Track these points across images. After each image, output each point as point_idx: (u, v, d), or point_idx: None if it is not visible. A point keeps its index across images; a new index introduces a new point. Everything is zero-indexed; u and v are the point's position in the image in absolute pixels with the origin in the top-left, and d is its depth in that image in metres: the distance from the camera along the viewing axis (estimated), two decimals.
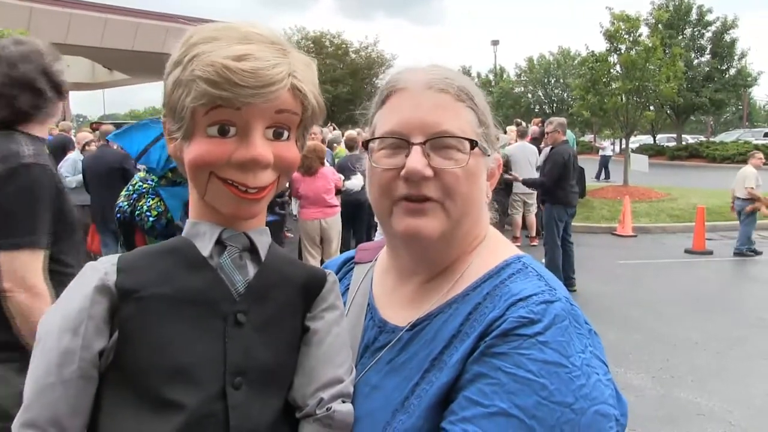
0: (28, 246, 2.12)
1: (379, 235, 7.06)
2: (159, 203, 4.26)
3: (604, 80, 17.34)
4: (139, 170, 5.39)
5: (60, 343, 0.88)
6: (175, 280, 0.93)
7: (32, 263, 2.13)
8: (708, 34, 36.26)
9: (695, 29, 36.16)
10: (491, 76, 51.37)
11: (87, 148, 8.97)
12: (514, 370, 0.89)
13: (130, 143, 4.44)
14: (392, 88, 1.10)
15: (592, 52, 18.36)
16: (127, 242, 4.46)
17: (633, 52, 16.48)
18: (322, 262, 6.90)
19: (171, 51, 0.96)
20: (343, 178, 8.30)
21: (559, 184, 8.21)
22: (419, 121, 1.03)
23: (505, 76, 53.40)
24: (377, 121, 1.12)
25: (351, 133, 10.51)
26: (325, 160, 8.03)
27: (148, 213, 4.25)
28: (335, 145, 11.87)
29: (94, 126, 17.10)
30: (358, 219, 8.98)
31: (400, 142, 1.05)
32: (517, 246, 1.19)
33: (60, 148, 9.69)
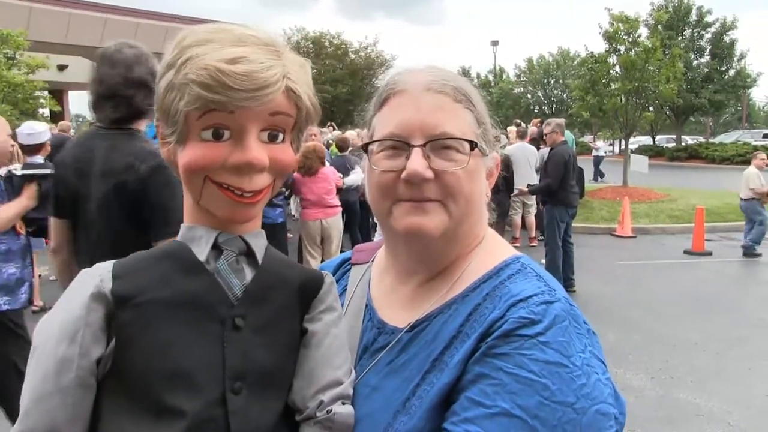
0: (172, 235, 2.31)
1: (378, 236, 7.06)
2: None
3: (603, 81, 17.34)
4: None
5: (57, 351, 0.87)
6: (171, 285, 0.92)
7: None
8: (707, 35, 36.35)
9: (695, 30, 36.24)
10: (491, 77, 51.36)
11: None
12: (515, 370, 0.89)
13: None
14: (391, 90, 1.10)
15: (592, 52, 18.36)
16: None
17: (632, 53, 16.47)
18: (322, 261, 6.91)
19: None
20: (341, 176, 8.32)
21: (560, 185, 8.21)
22: (419, 123, 1.03)
23: (504, 76, 53.42)
24: (376, 123, 1.12)
25: (341, 134, 10.53)
26: (326, 160, 8.05)
27: None
28: (330, 141, 11.88)
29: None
30: (350, 221, 8.99)
31: (400, 144, 1.05)
32: (517, 246, 1.20)
33: (58, 148, 9.66)
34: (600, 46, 17.92)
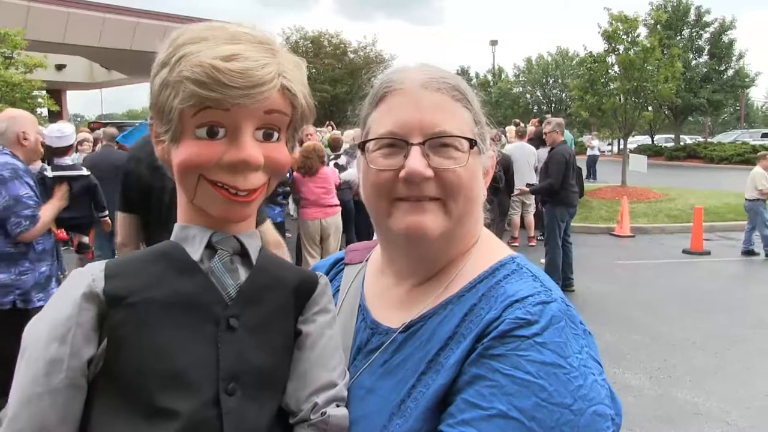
0: (266, 218, 2.85)
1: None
2: None
3: (602, 80, 17.37)
4: None
5: (47, 352, 0.86)
6: (165, 285, 0.91)
7: (272, 228, 2.86)
8: (706, 35, 36.37)
9: (693, 30, 36.26)
10: (490, 77, 51.37)
11: (80, 147, 8.99)
12: (512, 371, 0.88)
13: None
14: (387, 88, 1.09)
15: (591, 52, 18.38)
16: None
17: (631, 53, 16.50)
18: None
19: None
20: (338, 172, 8.34)
21: (561, 184, 8.22)
22: (417, 122, 1.03)
23: (503, 76, 53.40)
24: (372, 121, 1.11)
25: (336, 133, 10.57)
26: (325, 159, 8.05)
27: None
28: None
29: (92, 126, 17.13)
30: (344, 220, 8.99)
31: (398, 143, 1.04)
32: (516, 246, 1.19)
33: None
34: (599, 46, 17.97)
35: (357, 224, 9.20)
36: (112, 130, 8.72)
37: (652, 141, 40.33)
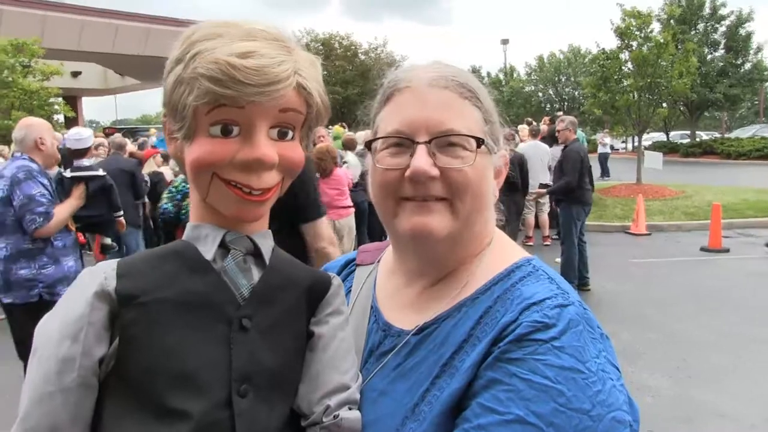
0: (323, 214, 2.95)
1: None
2: None
3: (615, 77, 17.22)
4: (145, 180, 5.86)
5: (59, 351, 0.85)
6: (177, 285, 0.91)
7: (328, 225, 2.96)
8: (722, 29, 35.88)
9: (708, 23, 35.79)
10: (501, 76, 51.23)
11: (94, 151, 9.13)
12: (530, 376, 0.86)
13: None
14: (395, 86, 1.08)
15: (603, 49, 18.25)
16: (168, 242, 4.59)
17: (644, 49, 16.34)
18: None
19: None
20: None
21: (577, 183, 8.16)
22: (424, 120, 1.01)
23: (515, 75, 53.21)
24: (380, 120, 1.09)
25: (349, 134, 10.59)
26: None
27: None
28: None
29: (107, 131, 17.32)
30: (358, 221, 8.99)
31: (405, 142, 1.02)
32: (530, 246, 1.17)
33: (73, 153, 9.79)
34: (612, 43, 17.83)
35: (370, 225, 9.19)
36: (121, 139, 9.07)
37: (668, 138, 39.87)
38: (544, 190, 9.32)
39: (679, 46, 17.64)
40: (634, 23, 16.47)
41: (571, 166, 8.12)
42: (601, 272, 8.94)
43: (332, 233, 2.92)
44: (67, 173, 5.57)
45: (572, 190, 8.18)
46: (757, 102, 48.01)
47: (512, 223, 8.54)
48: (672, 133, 40.96)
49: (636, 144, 19.57)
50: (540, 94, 52.33)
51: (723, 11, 35.36)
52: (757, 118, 47.80)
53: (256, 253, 0.98)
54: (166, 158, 10.12)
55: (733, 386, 5.24)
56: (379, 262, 1.27)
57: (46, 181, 4.38)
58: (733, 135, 38.00)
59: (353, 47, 35.64)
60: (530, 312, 0.92)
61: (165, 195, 4.63)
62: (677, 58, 16.57)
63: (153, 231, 9.91)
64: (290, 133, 0.94)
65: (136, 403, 0.86)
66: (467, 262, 1.09)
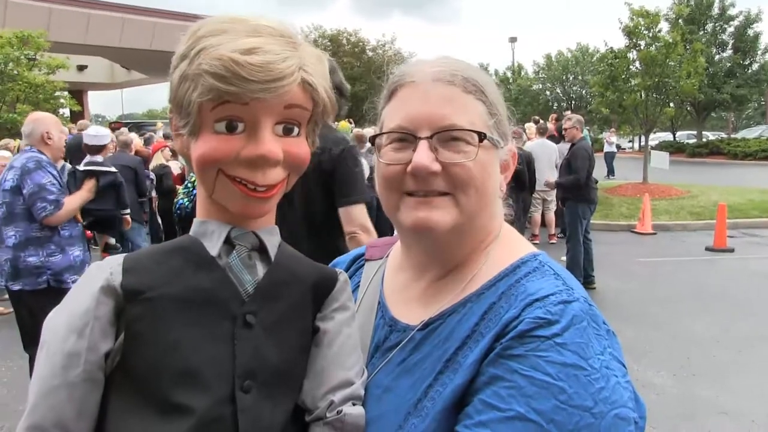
0: (360, 201, 2.96)
1: None
2: None
3: (623, 77, 17.14)
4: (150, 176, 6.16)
5: (65, 345, 0.86)
6: (182, 280, 0.91)
7: (363, 212, 2.97)
8: (730, 29, 35.66)
9: (717, 24, 35.58)
10: (509, 74, 51.03)
11: (110, 146, 9.20)
12: (531, 372, 0.86)
13: None
14: (399, 82, 1.08)
15: (611, 48, 18.15)
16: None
17: (652, 48, 16.27)
18: None
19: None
20: None
21: (584, 180, 8.16)
22: (426, 115, 1.01)
23: (523, 73, 53.01)
24: (385, 116, 1.10)
25: (358, 130, 10.56)
26: None
27: None
28: None
29: (113, 126, 17.36)
30: None
31: (407, 137, 1.02)
32: (536, 243, 1.16)
33: (77, 147, 9.81)
34: (620, 42, 17.73)
35: (380, 220, 9.17)
36: (126, 137, 9.24)
37: (674, 137, 39.72)
38: (554, 181, 9.25)
39: (687, 46, 17.52)
40: (642, 22, 16.39)
41: (580, 164, 8.14)
42: (606, 271, 8.93)
43: (367, 220, 2.97)
44: (80, 166, 5.77)
45: (580, 186, 8.19)
46: (763, 103, 47.73)
47: (519, 221, 8.54)
48: (679, 133, 40.83)
49: (643, 143, 19.46)
50: (547, 93, 52.10)
51: (732, 11, 35.16)
52: (764, 119, 47.55)
53: (261, 249, 0.98)
54: (174, 152, 10.15)
55: (736, 384, 5.23)
56: (387, 257, 1.27)
57: (55, 172, 4.54)
58: (739, 135, 37.81)
59: (361, 44, 35.61)
60: (533, 308, 0.91)
61: (181, 190, 4.72)
62: (685, 58, 16.48)
63: (159, 226, 9.95)
64: (296, 130, 0.94)
65: (140, 398, 0.86)
66: (474, 257, 1.09)
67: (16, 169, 4.40)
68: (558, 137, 11.38)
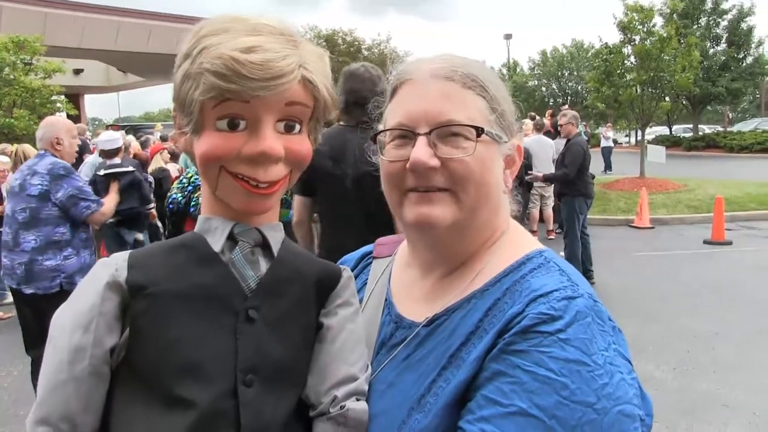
0: None
1: None
2: None
3: (618, 72, 17.13)
4: (149, 180, 6.78)
5: (71, 340, 0.87)
6: (186, 276, 0.92)
7: None
8: (724, 23, 35.78)
9: (711, 18, 35.68)
10: (504, 70, 51.07)
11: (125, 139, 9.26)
12: (533, 368, 0.85)
13: None
14: (400, 80, 1.09)
15: (606, 43, 18.15)
16: (176, 232, 4.67)
17: (647, 43, 16.28)
18: None
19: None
20: None
21: (578, 176, 8.18)
22: (424, 112, 1.02)
23: (518, 69, 53.05)
24: (387, 114, 1.11)
25: None
26: None
27: None
28: None
29: (109, 129, 17.31)
30: None
31: (407, 134, 1.03)
32: None
33: (79, 150, 9.81)
34: (614, 37, 17.76)
35: None
36: (124, 140, 9.27)
37: (671, 131, 39.76)
38: (541, 176, 9.28)
39: (682, 41, 17.54)
40: (636, 17, 16.40)
41: (572, 159, 8.16)
42: (604, 265, 8.94)
43: None
44: (101, 172, 6.11)
45: (570, 182, 8.24)
46: (758, 96, 47.83)
47: (517, 218, 8.54)
48: (675, 127, 40.87)
49: (639, 138, 19.49)
50: (543, 89, 52.21)
51: (725, 5, 35.25)
52: (759, 112, 47.62)
53: (264, 245, 0.99)
54: (173, 155, 10.14)
55: (739, 378, 5.24)
56: (395, 255, 1.27)
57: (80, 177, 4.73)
58: (735, 128, 37.91)
59: (356, 43, 35.56)
60: (537, 304, 0.91)
61: (175, 185, 4.77)
62: (680, 53, 16.50)
63: (158, 229, 9.94)
64: (297, 127, 0.95)
65: (144, 392, 0.88)
66: (480, 253, 1.09)
67: (43, 175, 4.37)
68: (554, 133, 11.39)
